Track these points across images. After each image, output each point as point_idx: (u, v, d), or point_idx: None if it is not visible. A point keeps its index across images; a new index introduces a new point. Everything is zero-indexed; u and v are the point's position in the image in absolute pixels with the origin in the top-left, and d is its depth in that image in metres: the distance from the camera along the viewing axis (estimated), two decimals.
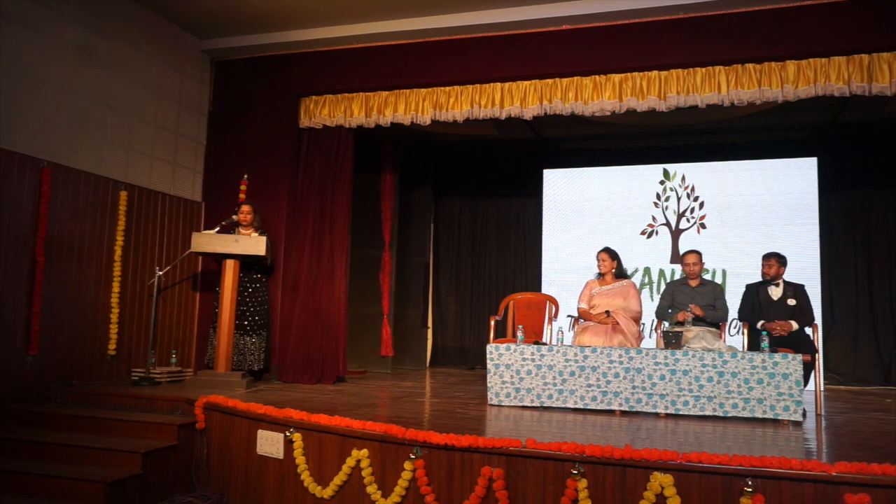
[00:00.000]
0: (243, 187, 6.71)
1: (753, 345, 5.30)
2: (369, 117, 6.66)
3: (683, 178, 8.00)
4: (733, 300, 5.87)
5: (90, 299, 5.72)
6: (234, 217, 6.13)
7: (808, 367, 5.05)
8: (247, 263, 6.07)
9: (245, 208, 6.18)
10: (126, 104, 6.13)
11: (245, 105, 7.00)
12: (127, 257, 6.05)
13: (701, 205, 7.90)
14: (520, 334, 5.36)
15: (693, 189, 7.95)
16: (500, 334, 6.39)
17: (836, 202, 7.83)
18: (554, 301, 6.39)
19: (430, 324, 9.04)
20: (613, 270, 5.92)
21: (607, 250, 5.96)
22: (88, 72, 5.74)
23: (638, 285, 7.77)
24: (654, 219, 8.04)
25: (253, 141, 6.88)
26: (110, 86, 5.96)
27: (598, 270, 5.98)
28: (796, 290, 5.57)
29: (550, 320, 6.24)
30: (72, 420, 4.90)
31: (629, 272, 7.40)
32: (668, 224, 7.98)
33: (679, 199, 7.99)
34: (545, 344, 5.30)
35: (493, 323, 6.13)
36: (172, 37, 6.62)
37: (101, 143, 5.87)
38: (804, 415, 4.74)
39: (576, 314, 6.18)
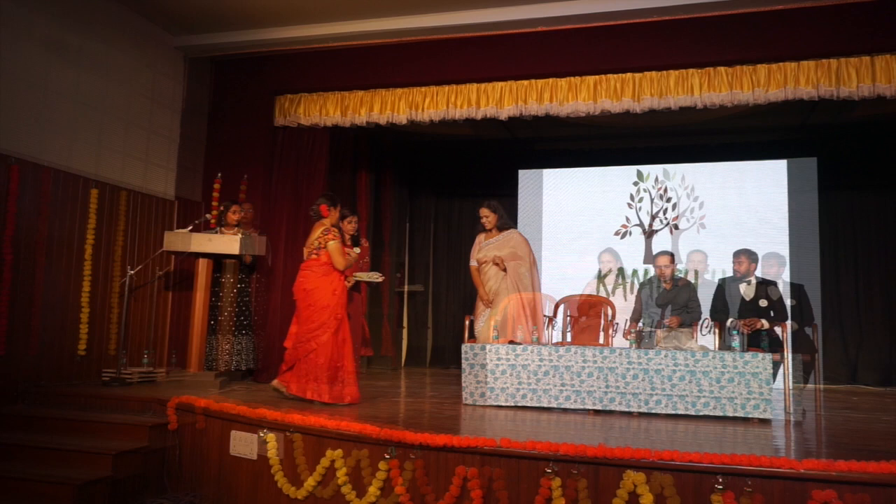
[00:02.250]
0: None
1: (725, 344, 5.37)
2: (345, 116, 6.62)
3: (657, 179, 8.09)
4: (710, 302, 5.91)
5: (60, 298, 5.61)
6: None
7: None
8: (231, 263, 6.01)
9: (235, 207, 6.11)
10: (97, 100, 6.02)
11: (219, 103, 6.94)
12: (98, 256, 5.95)
13: (674, 206, 7.99)
14: (520, 334, 5.40)
15: (667, 190, 8.04)
16: (473, 335, 6.40)
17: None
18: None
19: (405, 323, 9.03)
20: (497, 224, 6.03)
21: (488, 205, 6.08)
22: (58, 67, 5.63)
23: (611, 286, 7.87)
24: (627, 220, 8.12)
25: (227, 139, 6.82)
26: (81, 82, 5.86)
27: (483, 226, 6.08)
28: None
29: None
30: (41, 421, 4.83)
31: (603, 273, 7.49)
32: (641, 225, 8.06)
33: (652, 200, 8.07)
34: (519, 343, 5.33)
35: (467, 322, 6.14)
36: (145, 33, 6.52)
37: (72, 139, 5.77)
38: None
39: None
